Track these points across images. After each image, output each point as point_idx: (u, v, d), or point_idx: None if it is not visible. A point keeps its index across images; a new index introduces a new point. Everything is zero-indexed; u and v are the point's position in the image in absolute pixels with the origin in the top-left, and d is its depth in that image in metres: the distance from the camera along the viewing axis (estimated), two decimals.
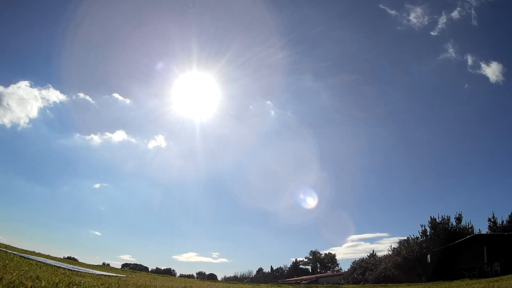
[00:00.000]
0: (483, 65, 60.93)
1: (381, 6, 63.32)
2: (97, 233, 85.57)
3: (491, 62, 61.69)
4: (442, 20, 60.86)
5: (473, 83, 65.53)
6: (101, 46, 71.83)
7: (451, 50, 63.89)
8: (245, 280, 66.36)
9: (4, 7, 60.33)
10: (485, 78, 62.13)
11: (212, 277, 71.54)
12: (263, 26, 64.55)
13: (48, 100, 68.68)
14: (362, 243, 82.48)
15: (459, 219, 31.43)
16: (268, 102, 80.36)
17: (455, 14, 59.25)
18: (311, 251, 75.12)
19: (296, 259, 77.75)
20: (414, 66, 70.70)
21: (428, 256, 29.82)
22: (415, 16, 61.89)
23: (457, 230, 30.60)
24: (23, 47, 68.08)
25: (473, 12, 57.71)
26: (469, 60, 62.97)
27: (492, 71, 59.45)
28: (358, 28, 72.94)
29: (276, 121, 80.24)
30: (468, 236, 25.92)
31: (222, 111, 72.58)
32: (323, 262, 74.46)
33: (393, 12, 63.51)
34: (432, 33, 64.28)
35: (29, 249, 17.02)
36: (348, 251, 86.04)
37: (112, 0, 69.62)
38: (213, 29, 67.91)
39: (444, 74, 68.42)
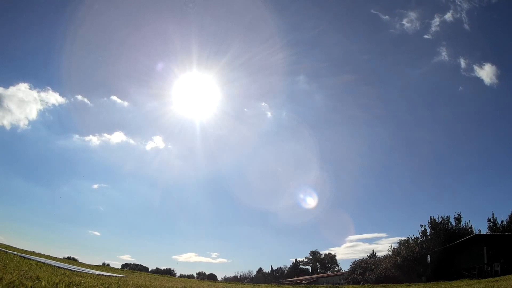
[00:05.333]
0: (476, 68, 61.65)
1: (372, 11, 63.91)
2: (96, 233, 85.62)
3: (484, 65, 62.27)
4: (435, 23, 61.40)
5: (467, 85, 66.33)
6: (100, 47, 71.96)
7: (444, 53, 64.55)
8: (245, 280, 66.34)
9: (4, 9, 60.43)
10: (480, 80, 62.84)
11: (212, 277, 71.56)
12: (263, 26, 64.61)
13: (47, 102, 69.04)
14: (361, 243, 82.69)
15: (458, 219, 31.48)
16: (267, 102, 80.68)
17: (448, 16, 59.81)
18: (311, 251, 75.21)
19: (296, 259, 77.85)
20: (409, 68, 71.56)
21: (428, 256, 29.81)
22: (408, 21, 62.65)
23: (457, 230, 30.61)
24: (22, 49, 68.32)
25: (464, 15, 58.17)
26: (462, 63, 63.82)
27: (486, 73, 60.02)
28: (354, 31, 73.91)
29: (276, 121, 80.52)
30: (468, 236, 25.92)
31: (222, 112, 72.72)
32: (323, 262, 74.42)
33: (386, 18, 64.19)
34: (426, 36, 64.96)
35: (29, 249, 17.04)
36: (347, 251, 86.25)
37: (111, 1, 69.59)
38: (213, 29, 67.99)
39: (438, 77, 69.10)
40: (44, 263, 9.36)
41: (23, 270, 5.76)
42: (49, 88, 69.57)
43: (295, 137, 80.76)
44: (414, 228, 78.45)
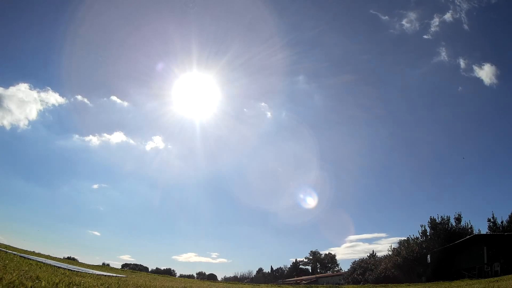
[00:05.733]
0: (475, 68, 61.79)
1: (372, 11, 64.02)
2: (96, 233, 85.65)
3: (484, 65, 62.37)
4: (435, 23, 61.54)
5: (467, 85, 66.47)
6: (100, 47, 71.98)
7: (443, 54, 64.67)
8: (245, 280, 66.34)
9: (4, 9, 60.44)
10: (479, 80, 62.91)
11: (212, 277, 71.56)
12: (263, 26, 64.59)
13: (47, 102, 69.10)
14: (361, 243, 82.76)
15: (458, 219, 31.49)
16: (267, 102, 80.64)
17: (447, 16, 59.97)
18: (311, 251, 75.19)
19: (296, 259, 77.82)
20: (409, 68, 71.67)
21: (428, 256, 29.81)
22: (408, 21, 62.90)
23: (457, 230, 30.61)
24: (22, 49, 68.31)
25: (464, 15, 58.30)
26: (462, 63, 64.00)
27: (485, 73, 60.08)
28: (354, 31, 74.20)
29: (276, 121, 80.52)
30: (468, 236, 25.93)
31: (222, 112, 72.73)
32: (323, 262, 74.40)
33: (385, 18, 64.30)
34: (425, 37, 65.15)
35: (29, 249, 17.04)
36: (347, 251, 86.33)
37: (111, 1, 69.58)
38: (213, 29, 67.99)
39: (438, 77, 69.20)
40: (44, 263, 9.36)
41: (23, 270, 5.76)
42: (49, 88, 69.76)
43: (295, 137, 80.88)
44: (414, 228, 78.38)
